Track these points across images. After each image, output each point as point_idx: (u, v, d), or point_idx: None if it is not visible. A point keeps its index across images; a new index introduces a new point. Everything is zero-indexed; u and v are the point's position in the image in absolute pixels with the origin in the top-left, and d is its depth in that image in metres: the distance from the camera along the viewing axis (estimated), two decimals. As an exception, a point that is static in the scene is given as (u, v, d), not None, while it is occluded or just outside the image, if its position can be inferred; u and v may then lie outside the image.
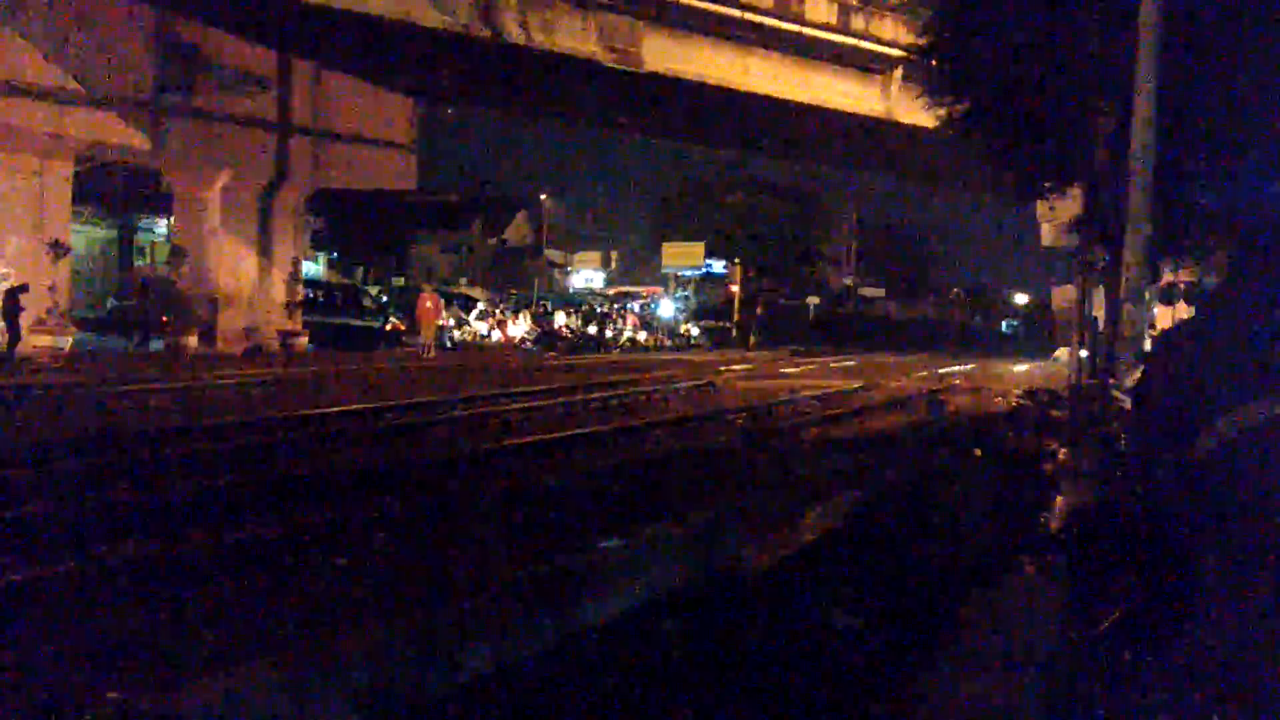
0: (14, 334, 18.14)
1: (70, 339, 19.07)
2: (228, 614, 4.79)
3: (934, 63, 11.66)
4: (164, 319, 22.19)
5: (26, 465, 7.92)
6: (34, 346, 18.26)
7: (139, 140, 21.02)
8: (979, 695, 3.58)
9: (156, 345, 22.22)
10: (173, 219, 25.77)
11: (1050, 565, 5.23)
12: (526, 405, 13.58)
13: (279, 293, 24.85)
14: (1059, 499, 7.40)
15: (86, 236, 28.96)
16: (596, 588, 4.44)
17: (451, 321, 31.09)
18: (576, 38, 22.64)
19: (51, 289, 19.16)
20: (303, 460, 8.93)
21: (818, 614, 4.74)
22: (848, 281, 54.94)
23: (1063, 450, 10.24)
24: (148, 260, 32.09)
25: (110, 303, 28.21)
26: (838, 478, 8.70)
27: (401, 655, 3.64)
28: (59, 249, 19.77)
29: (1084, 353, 13.70)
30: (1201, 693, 1.48)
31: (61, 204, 20.32)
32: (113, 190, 29.64)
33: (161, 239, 31.39)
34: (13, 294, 18.33)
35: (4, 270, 18.98)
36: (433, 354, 24.14)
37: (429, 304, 25.07)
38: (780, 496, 7.78)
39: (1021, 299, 62.65)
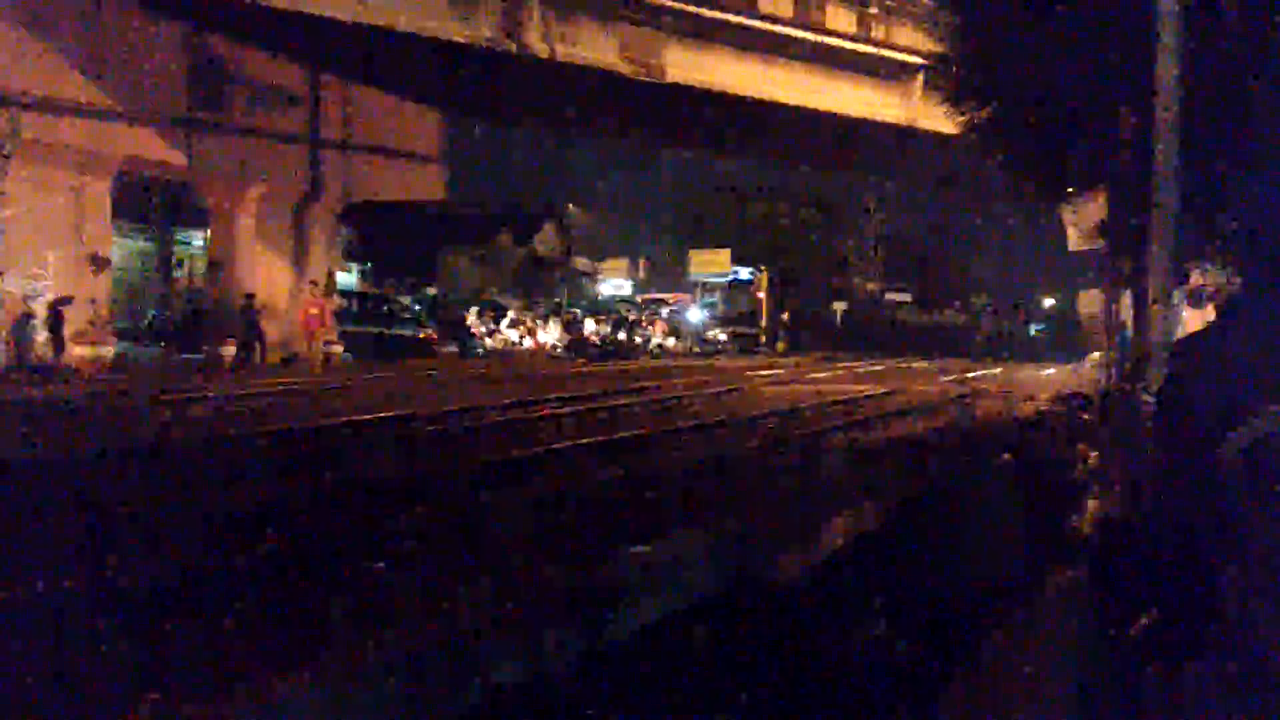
0: (58, 345, 18.61)
1: (112, 349, 19.49)
2: (265, 621, 4.93)
3: (955, 70, 11.64)
4: (201, 330, 22.62)
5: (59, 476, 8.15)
6: (77, 357, 18.70)
7: (174, 156, 21.43)
8: (1008, 705, 3.64)
9: (194, 355, 22.63)
10: (209, 232, 26.14)
11: (1080, 575, 5.25)
12: (558, 411, 13.72)
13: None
14: (1088, 506, 7.41)
15: (125, 249, 29.47)
16: (626, 596, 4.55)
17: (483, 329, 31.39)
18: (599, 50, 22.83)
19: (93, 301, 19.59)
20: (341, 467, 9.13)
21: (847, 623, 4.81)
22: (873, 287, 54.63)
23: (1093, 454, 10.21)
24: (185, 272, 32.62)
25: (150, 314, 28.80)
26: (866, 483, 8.74)
27: (434, 664, 3.75)
28: (99, 262, 20.21)
29: (1112, 355, 13.63)
30: (1228, 704, 1.51)
31: (101, 218, 20.74)
32: (151, 203, 30.17)
33: (199, 251, 31.88)
34: (56, 306, 18.82)
35: (47, 283, 19.46)
36: (318, 369, 20.54)
37: (313, 310, 21.23)
38: (808, 503, 7.84)
39: (1049, 302, 61.97)
